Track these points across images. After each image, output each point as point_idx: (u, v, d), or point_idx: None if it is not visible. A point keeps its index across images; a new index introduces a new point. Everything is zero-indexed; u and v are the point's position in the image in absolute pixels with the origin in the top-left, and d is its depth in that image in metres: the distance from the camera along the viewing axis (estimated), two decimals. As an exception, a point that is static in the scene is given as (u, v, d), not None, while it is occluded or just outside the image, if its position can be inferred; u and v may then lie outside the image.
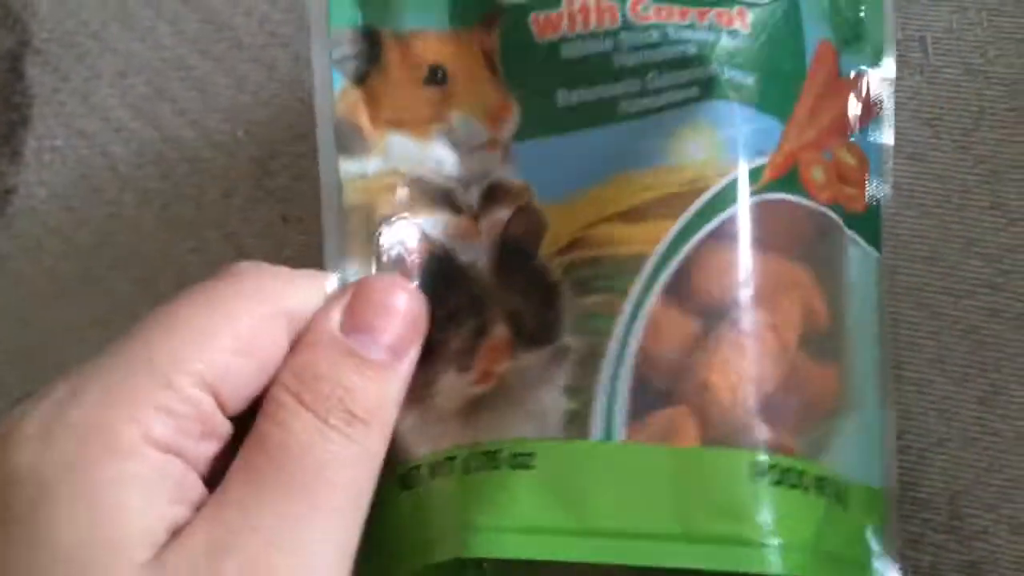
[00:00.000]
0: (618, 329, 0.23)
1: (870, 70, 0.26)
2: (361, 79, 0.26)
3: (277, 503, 0.21)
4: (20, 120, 0.36)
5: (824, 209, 0.25)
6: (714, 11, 0.24)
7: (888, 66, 0.27)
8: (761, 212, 0.23)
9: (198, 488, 0.22)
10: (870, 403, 0.25)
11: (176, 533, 0.21)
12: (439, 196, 0.25)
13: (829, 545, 0.22)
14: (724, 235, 0.23)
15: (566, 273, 0.24)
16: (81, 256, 0.35)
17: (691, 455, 0.22)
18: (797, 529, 0.22)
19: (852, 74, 0.26)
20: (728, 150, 0.23)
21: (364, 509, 0.22)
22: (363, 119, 0.26)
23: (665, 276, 0.23)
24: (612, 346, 0.23)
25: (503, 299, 0.24)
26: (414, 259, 0.25)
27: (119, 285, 0.34)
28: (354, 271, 0.25)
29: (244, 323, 0.23)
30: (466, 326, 0.24)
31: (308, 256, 0.33)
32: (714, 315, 0.23)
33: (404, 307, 0.24)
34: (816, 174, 0.25)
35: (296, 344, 0.23)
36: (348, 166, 0.25)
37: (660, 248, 0.23)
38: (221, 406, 0.22)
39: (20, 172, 0.36)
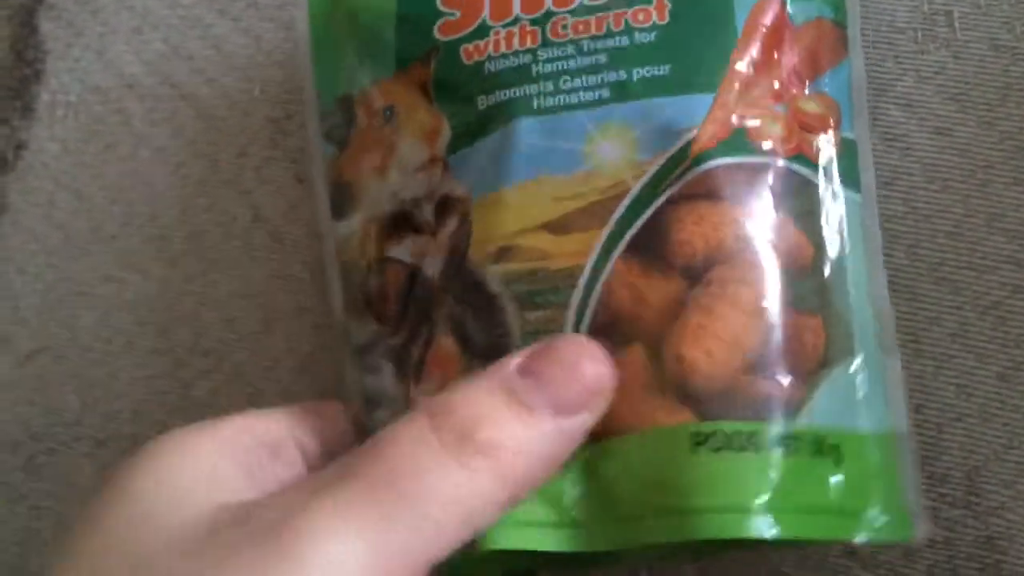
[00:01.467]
0: None
1: (826, 17, 0.27)
2: (342, 143, 0.28)
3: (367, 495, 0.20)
4: (33, 75, 0.36)
5: (783, 162, 0.25)
6: (630, 11, 0.25)
7: (852, 6, 0.27)
8: (698, 183, 0.24)
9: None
10: (867, 350, 0.24)
11: None
12: (402, 222, 0.27)
13: (807, 499, 0.23)
14: (660, 217, 0.24)
15: (506, 286, 0.25)
16: (93, 212, 0.34)
17: (635, 441, 0.23)
18: (750, 490, 0.22)
19: (805, 21, 0.26)
20: (642, 148, 0.25)
21: (451, 541, 0.21)
22: (346, 176, 0.28)
23: (602, 280, 0.24)
24: None
25: (446, 306, 0.25)
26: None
27: (131, 243, 0.34)
28: (355, 328, 0.27)
29: None
30: (421, 337, 0.26)
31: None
32: (681, 284, 0.24)
33: (589, 373, 0.22)
34: (768, 129, 0.25)
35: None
36: (341, 229, 0.28)
37: (591, 259, 0.24)
38: None
39: (32, 127, 0.36)
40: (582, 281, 0.24)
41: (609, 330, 0.24)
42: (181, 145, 0.34)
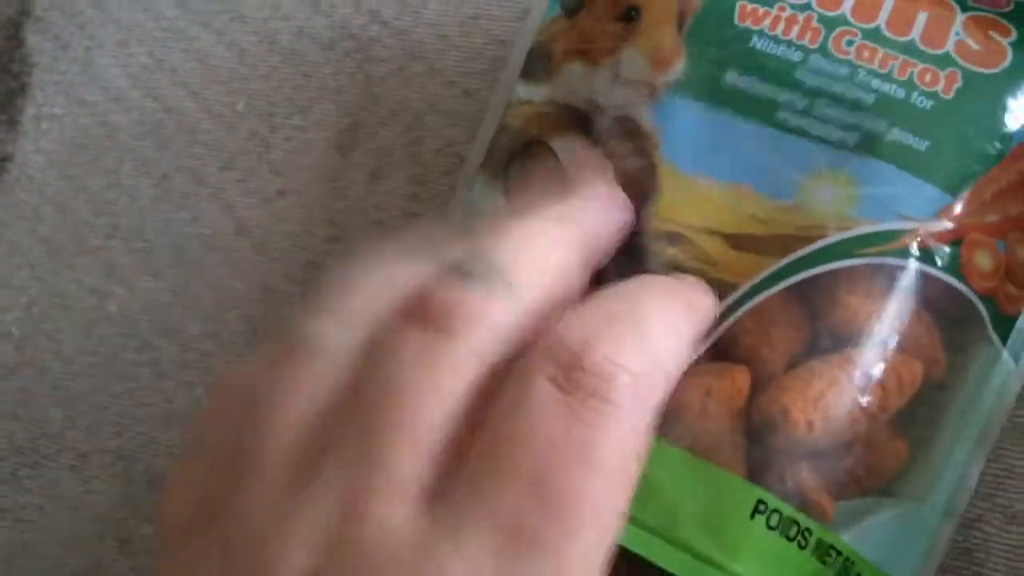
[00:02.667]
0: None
1: None
2: (572, 11, 0.27)
3: None
4: (19, 88, 0.36)
5: (973, 297, 0.24)
6: (920, 67, 0.24)
7: None
8: (889, 271, 0.23)
9: None
10: (934, 502, 0.24)
11: None
12: (577, 119, 0.25)
13: None
14: (837, 276, 0.23)
15: (657, 259, 0.23)
16: (77, 225, 0.34)
17: (707, 470, 0.22)
18: (773, 572, 0.22)
19: None
20: (860, 206, 0.23)
21: None
22: (557, 47, 0.26)
23: (744, 308, 0.23)
24: None
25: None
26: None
27: (115, 255, 0.34)
28: (480, 185, 0.26)
29: None
30: None
31: (307, 231, 0.33)
32: (808, 348, 0.23)
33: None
34: (981, 260, 0.24)
35: None
36: (521, 91, 0.26)
37: (753, 281, 0.23)
38: None
39: (17, 140, 0.36)
40: (730, 300, 0.23)
41: (732, 342, 0.23)
42: (165, 158, 0.34)
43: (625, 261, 0.23)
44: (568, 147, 0.25)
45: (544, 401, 0.18)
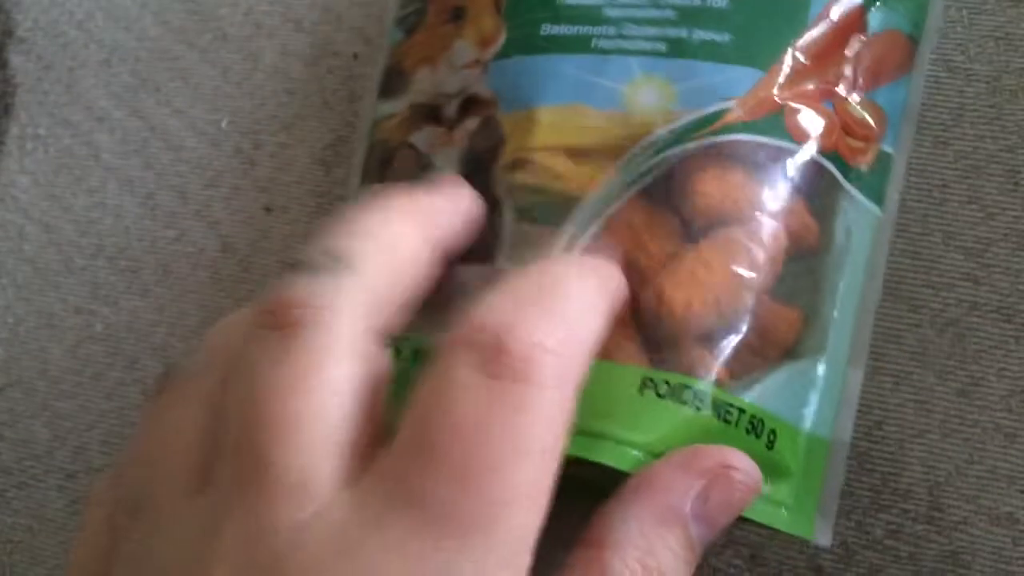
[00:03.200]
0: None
1: (903, 31, 0.27)
2: (411, 31, 0.30)
3: None
4: (2, 109, 0.36)
5: (816, 156, 0.25)
6: None
7: (931, 24, 0.28)
8: (723, 148, 0.25)
9: None
10: (835, 355, 0.25)
11: None
12: (428, 113, 0.28)
13: None
14: (678, 163, 0.24)
15: (509, 193, 0.25)
16: (63, 245, 0.34)
17: (593, 368, 0.22)
18: (677, 441, 0.23)
19: (880, 30, 0.27)
20: (680, 100, 0.25)
21: None
22: (405, 63, 0.29)
23: (601, 216, 0.24)
24: None
25: None
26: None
27: (101, 275, 0.34)
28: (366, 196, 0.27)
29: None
30: None
31: (291, 247, 0.33)
32: (682, 238, 0.24)
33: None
34: (811, 121, 0.25)
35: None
36: (384, 108, 0.29)
37: (599, 190, 0.24)
38: None
39: (2, 160, 0.36)
40: (584, 208, 0.24)
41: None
42: (150, 177, 0.34)
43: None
44: (424, 137, 0.28)
45: (469, 387, 0.18)
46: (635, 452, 0.23)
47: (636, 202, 0.24)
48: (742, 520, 0.23)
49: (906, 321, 0.28)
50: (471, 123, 0.27)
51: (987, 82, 0.29)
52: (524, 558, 0.18)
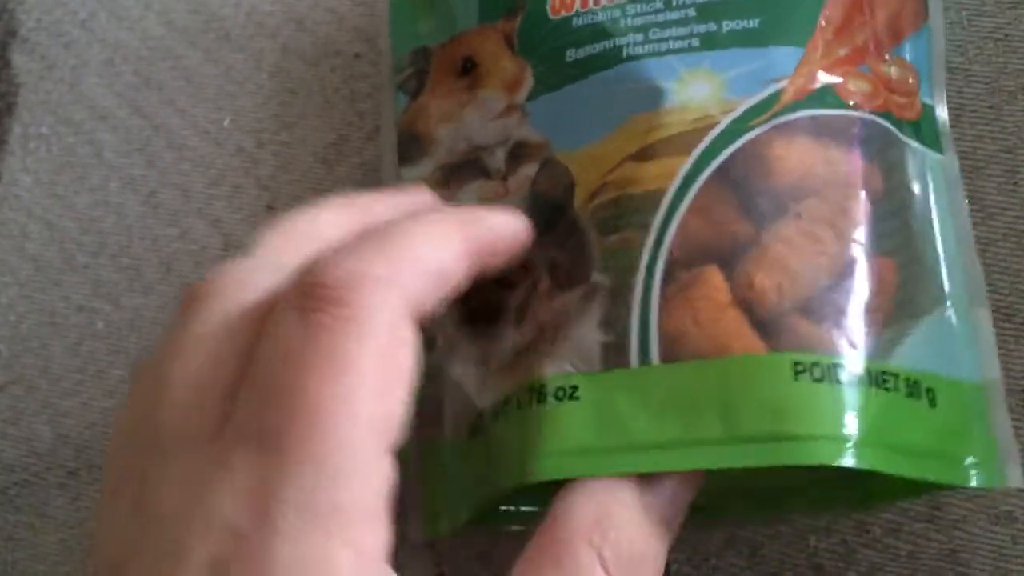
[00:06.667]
0: (643, 260, 0.24)
1: None
2: (417, 93, 0.29)
3: None
4: (5, 108, 0.36)
5: (871, 116, 0.25)
6: None
7: None
8: (787, 127, 0.25)
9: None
10: (958, 300, 0.25)
11: None
12: (470, 167, 0.27)
13: (904, 438, 0.22)
14: (750, 148, 0.24)
15: (592, 216, 0.25)
16: (65, 243, 0.35)
17: (729, 365, 0.22)
18: (850, 422, 0.22)
19: None
20: (731, 89, 0.25)
21: None
22: (419, 126, 0.29)
23: (686, 203, 0.24)
24: (639, 278, 0.24)
25: (544, 254, 0.25)
26: None
27: (104, 272, 0.34)
28: None
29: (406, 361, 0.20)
30: (520, 286, 0.25)
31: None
32: (756, 220, 0.24)
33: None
34: (857, 85, 0.26)
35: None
36: (408, 173, 0.28)
37: (675, 183, 0.24)
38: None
39: (4, 159, 0.36)
40: (664, 203, 0.24)
41: (688, 250, 0.24)
42: (152, 175, 0.34)
43: (562, 238, 0.25)
44: (472, 192, 0.27)
45: (288, 322, 0.19)
46: (823, 442, 0.22)
47: (712, 191, 0.24)
48: (935, 487, 0.23)
49: (906, 320, 0.28)
50: (528, 169, 0.26)
51: (986, 83, 0.30)
52: (359, 476, 0.18)
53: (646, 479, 0.22)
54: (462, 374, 0.26)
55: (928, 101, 0.27)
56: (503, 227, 0.24)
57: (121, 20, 0.36)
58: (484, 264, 0.23)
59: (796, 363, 0.22)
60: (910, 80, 0.27)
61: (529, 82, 0.27)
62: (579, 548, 0.20)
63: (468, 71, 0.28)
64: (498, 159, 0.27)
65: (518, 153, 0.27)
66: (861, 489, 0.26)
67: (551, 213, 0.25)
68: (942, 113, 0.27)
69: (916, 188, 0.25)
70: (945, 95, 0.27)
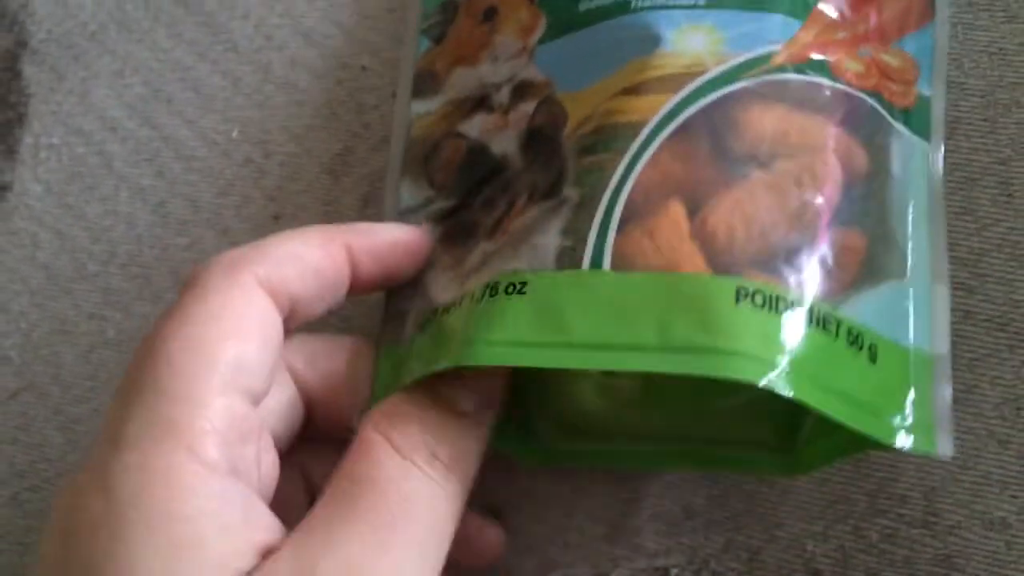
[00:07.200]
0: (614, 180, 0.25)
1: None
2: (439, 39, 0.31)
3: (363, 534, 0.21)
4: (16, 118, 0.37)
5: (860, 93, 0.26)
6: None
7: None
8: (774, 86, 0.26)
9: (258, 505, 0.22)
10: (918, 273, 0.25)
11: (264, 557, 0.21)
12: (477, 103, 0.29)
13: (834, 382, 0.23)
14: (733, 99, 0.25)
15: (575, 142, 0.26)
16: (76, 252, 0.35)
17: (675, 280, 0.23)
18: (781, 351, 0.22)
19: None
20: (729, 44, 0.26)
21: (442, 548, 0.23)
22: (437, 65, 0.31)
23: (663, 136, 0.25)
24: (606, 195, 0.24)
25: (528, 178, 0.27)
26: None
27: (114, 281, 0.35)
28: (408, 189, 0.29)
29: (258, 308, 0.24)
30: (499, 206, 0.27)
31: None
32: (726, 167, 0.25)
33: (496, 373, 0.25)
34: (851, 65, 0.27)
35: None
36: (418, 107, 0.30)
37: (657, 116, 0.25)
38: (252, 394, 0.23)
39: (15, 169, 0.36)
40: (643, 133, 0.25)
41: (657, 181, 0.24)
42: (162, 185, 0.35)
43: (547, 162, 0.27)
44: (475, 125, 0.29)
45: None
46: (755, 362, 0.22)
47: (689, 132, 0.25)
48: (869, 445, 0.23)
49: (902, 329, 0.29)
50: (527, 106, 0.28)
51: (981, 96, 0.30)
52: (195, 400, 0.22)
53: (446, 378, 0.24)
54: (431, 280, 0.27)
55: (926, 92, 0.28)
56: (388, 235, 0.27)
57: (131, 32, 0.37)
58: (378, 267, 0.26)
59: (740, 288, 0.23)
60: (909, 70, 0.28)
61: (542, 28, 0.29)
62: (369, 434, 0.23)
63: (489, 18, 0.30)
64: (503, 95, 0.29)
65: (522, 91, 0.28)
66: (789, 451, 0.26)
67: (542, 145, 0.27)
68: (939, 105, 0.28)
69: (898, 171, 0.26)
70: (945, 89, 0.28)
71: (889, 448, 0.23)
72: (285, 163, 0.34)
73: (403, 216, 0.29)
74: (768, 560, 0.28)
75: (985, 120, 0.30)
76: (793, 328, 0.23)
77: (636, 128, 0.25)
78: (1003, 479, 0.27)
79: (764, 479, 0.29)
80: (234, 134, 0.35)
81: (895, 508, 0.28)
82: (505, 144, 0.28)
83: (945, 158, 0.27)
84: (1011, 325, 0.28)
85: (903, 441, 0.23)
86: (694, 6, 0.27)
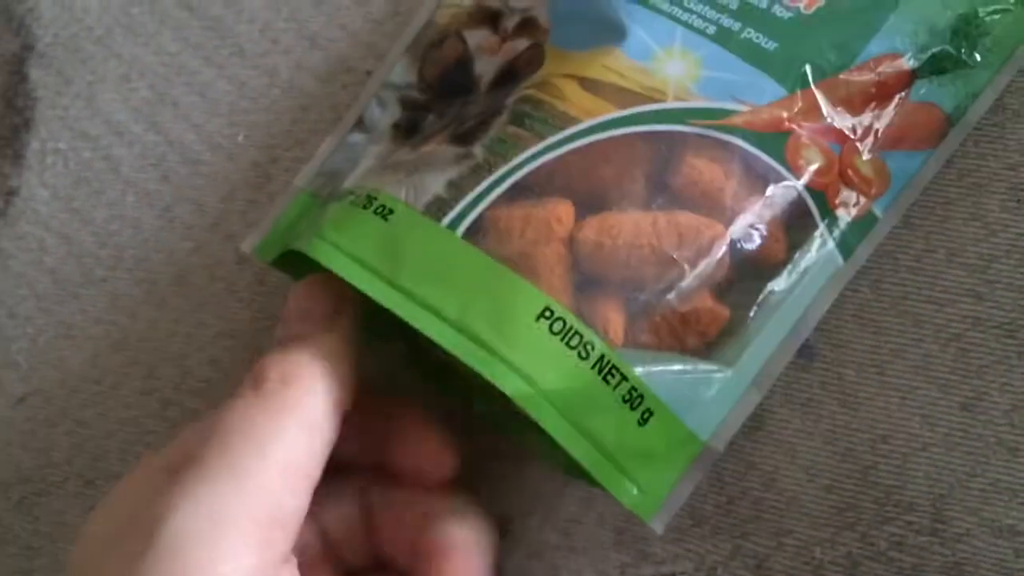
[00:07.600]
0: (515, 159, 0.25)
1: (943, 108, 0.28)
2: None
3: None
4: (23, 123, 0.37)
5: (798, 185, 0.26)
6: None
7: (973, 113, 0.28)
8: (720, 145, 0.26)
9: None
10: (744, 370, 0.26)
11: None
12: (491, 17, 0.30)
13: (592, 423, 0.24)
14: (658, 138, 0.26)
15: (515, 102, 0.27)
16: (82, 257, 0.35)
17: (501, 274, 0.24)
18: (552, 379, 0.24)
19: (920, 100, 0.27)
20: (700, 83, 0.26)
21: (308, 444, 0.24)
22: None
23: (581, 143, 0.25)
24: (503, 169, 0.25)
25: (473, 109, 0.28)
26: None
27: (120, 286, 0.35)
28: (401, 67, 0.30)
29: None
30: (440, 123, 0.28)
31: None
32: (629, 194, 0.25)
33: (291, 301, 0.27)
34: (808, 154, 0.26)
35: None
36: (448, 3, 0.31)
37: (592, 121, 0.26)
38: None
39: (22, 174, 0.36)
40: (570, 130, 0.26)
41: (559, 177, 0.25)
42: (168, 190, 0.35)
43: (492, 104, 0.27)
44: (477, 37, 0.30)
45: None
46: (516, 376, 0.23)
47: (614, 149, 0.25)
48: (592, 481, 0.24)
49: (910, 336, 0.29)
50: (521, 43, 0.28)
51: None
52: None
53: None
54: (364, 156, 0.29)
55: (878, 213, 0.27)
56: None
57: (137, 36, 0.37)
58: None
59: (547, 308, 0.24)
60: (876, 184, 0.27)
61: None
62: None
63: None
64: (510, 22, 0.29)
65: (525, 26, 0.29)
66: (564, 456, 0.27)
67: (505, 82, 0.28)
68: (882, 231, 0.28)
69: (796, 273, 0.26)
70: (897, 219, 0.28)
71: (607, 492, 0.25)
72: (291, 168, 0.34)
73: (385, 88, 0.31)
74: (776, 567, 0.28)
75: (994, 126, 0.29)
76: (571, 364, 0.24)
77: (568, 122, 0.26)
78: (1012, 486, 0.27)
79: (766, 486, 0.29)
80: (240, 138, 0.35)
81: (903, 515, 0.28)
82: (485, 69, 0.29)
83: (852, 278, 0.28)
84: (1020, 332, 0.28)
85: (625, 498, 0.25)
86: (701, 31, 0.27)
